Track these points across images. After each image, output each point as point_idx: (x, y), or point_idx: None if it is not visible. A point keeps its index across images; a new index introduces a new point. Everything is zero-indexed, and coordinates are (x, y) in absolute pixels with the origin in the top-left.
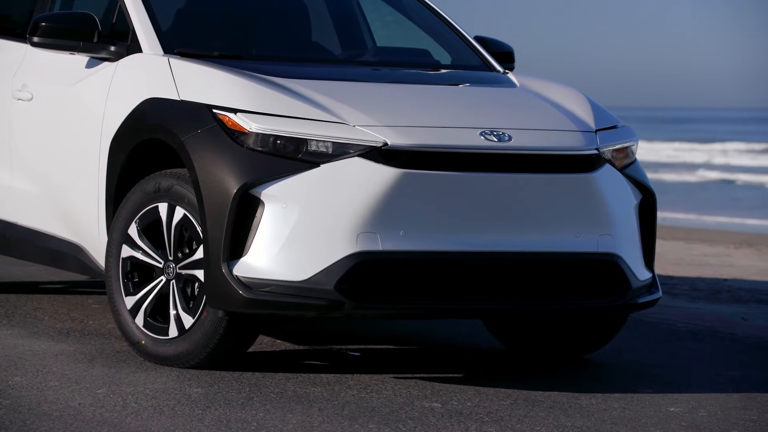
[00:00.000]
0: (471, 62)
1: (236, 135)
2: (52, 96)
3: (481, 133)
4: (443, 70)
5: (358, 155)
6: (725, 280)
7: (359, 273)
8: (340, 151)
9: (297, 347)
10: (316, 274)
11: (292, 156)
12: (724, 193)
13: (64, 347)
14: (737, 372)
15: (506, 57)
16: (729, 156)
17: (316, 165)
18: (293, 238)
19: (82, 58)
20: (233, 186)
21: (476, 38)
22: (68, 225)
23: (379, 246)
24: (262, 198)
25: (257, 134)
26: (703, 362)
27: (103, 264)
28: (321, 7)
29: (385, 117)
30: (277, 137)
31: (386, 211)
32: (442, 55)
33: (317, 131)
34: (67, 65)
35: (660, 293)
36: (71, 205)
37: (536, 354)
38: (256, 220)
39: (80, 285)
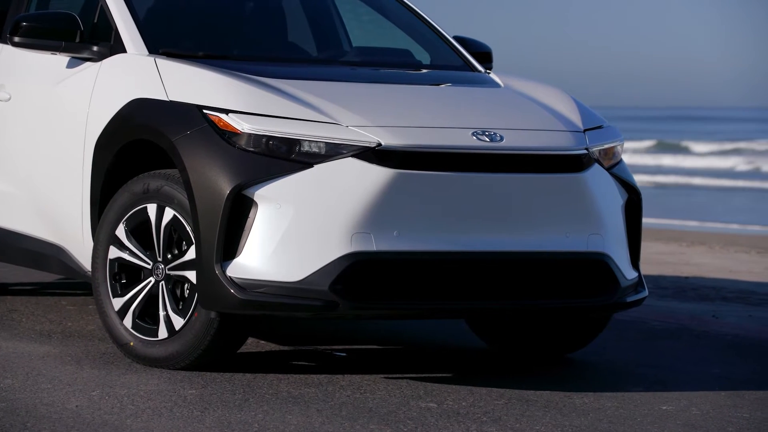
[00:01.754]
0: (452, 62)
1: (228, 135)
2: (31, 96)
3: (473, 133)
4: (426, 70)
5: (352, 155)
6: (686, 278)
7: (354, 273)
8: (334, 151)
9: (282, 348)
10: (310, 275)
11: (284, 156)
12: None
13: (49, 349)
14: (720, 370)
15: (484, 57)
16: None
17: (310, 165)
18: (287, 238)
19: (62, 58)
20: (226, 187)
21: (455, 38)
22: (49, 226)
23: (373, 246)
24: (256, 199)
25: (249, 135)
26: (685, 360)
27: (86, 265)
28: (296, 6)
29: (377, 117)
30: (269, 138)
31: (380, 212)
32: (421, 55)
33: (310, 132)
34: (47, 65)
35: (646, 292)
36: (53, 206)
37: (520, 353)
38: (249, 220)
39: (50, 286)
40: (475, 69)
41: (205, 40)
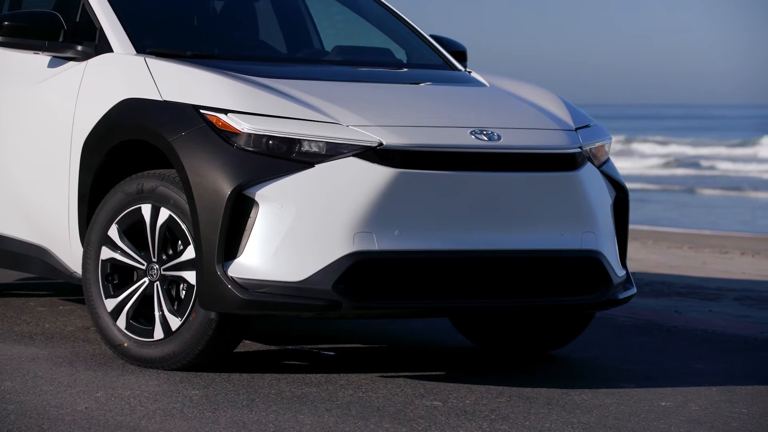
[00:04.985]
0: (432, 61)
1: (227, 135)
2: (10, 96)
3: (471, 132)
4: (408, 69)
5: (353, 155)
6: (632, 273)
7: (356, 273)
8: (334, 151)
9: (270, 347)
10: (313, 275)
11: (285, 156)
12: None
13: (37, 351)
14: (702, 365)
15: (459, 56)
16: None
17: (311, 165)
18: (289, 238)
19: (43, 58)
20: (227, 187)
21: (431, 37)
22: (32, 227)
23: (375, 246)
24: (257, 199)
25: (249, 135)
26: (664, 356)
27: (72, 266)
28: (266, 6)
29: (377, 117)
30: (270, 137)
31: (382, 211)
32: (397, 54)
33: (311, 131)
34: (26, 64)
35: (635, 289)
36: (36, 207)
37: (505, 350)
38: (250, 220)
39: (11, 287)
40: (455, 68)
41: (189, 40)
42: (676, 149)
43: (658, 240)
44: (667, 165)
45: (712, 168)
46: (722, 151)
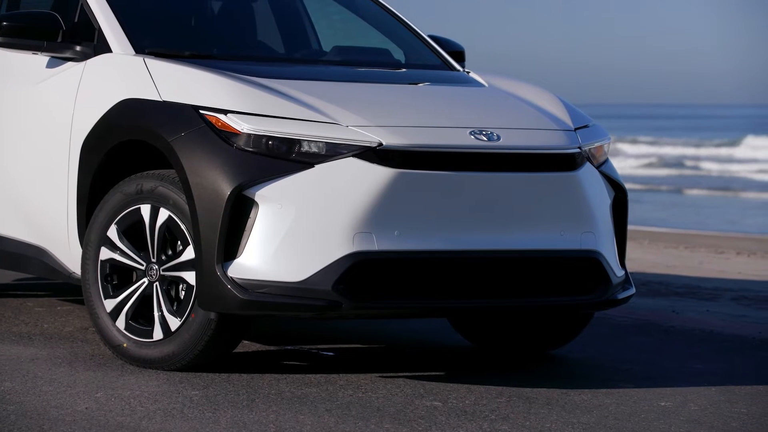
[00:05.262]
0: (430, 61)
1: (227, 136)
2: (9, 96)
3: (470, 133)
4: (406, 69)
5: (353, 155)
6: (630, 273)
7: (356, 273)
8: (334, 151)
9: (269, 348)
10: (312, 275)
11: (285, 157)
12: None
13: (36, 351)
14: (701, 365)
15: (457, 57)
16: None
17: (311, 165)
18: (289, 238)
19: (42, 58)
20: (227, 187)
21: (430, 37)
22: (31, 228)
23: (374, 246)
24: (256, 199)
25: (249, 135)
26: (663, 356)
27: (70, 266)
28: (264, 6)
29: (376, 117)
30: (269, 138)
31: (382, 211)
32: (396, 54)
33: (310, 132)
34: (25, 65)
35: (633, 289)
36: (36, 208)
37: (503, 350)
38: (250, 221)
39: (8, 288)
40: (453, 68)
41: (187, 40)
42: (661, 149)
43: (654, 240)
44: (650, 165)
45: (695, 168)
46: (706, 151)
